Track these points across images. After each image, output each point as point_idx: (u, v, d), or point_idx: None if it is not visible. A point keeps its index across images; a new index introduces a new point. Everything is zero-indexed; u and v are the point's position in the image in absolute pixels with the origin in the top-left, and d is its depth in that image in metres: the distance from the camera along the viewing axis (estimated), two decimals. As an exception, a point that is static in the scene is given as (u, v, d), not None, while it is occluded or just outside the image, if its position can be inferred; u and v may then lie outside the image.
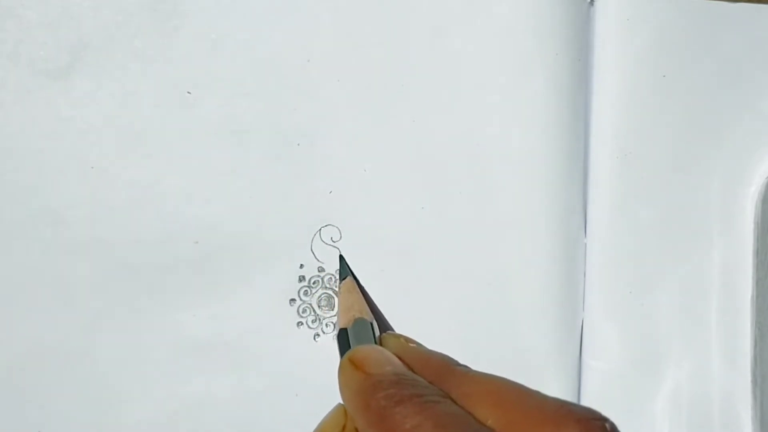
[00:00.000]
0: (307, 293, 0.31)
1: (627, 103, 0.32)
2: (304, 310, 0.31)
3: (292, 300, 0.31)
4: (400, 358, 0.24)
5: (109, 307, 0.30)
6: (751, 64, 0.32)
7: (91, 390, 0.31)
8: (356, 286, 0.31)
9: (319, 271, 0.31)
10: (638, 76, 0.32)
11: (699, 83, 0.32)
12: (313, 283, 0.31)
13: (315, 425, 0.23)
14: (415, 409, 0.20)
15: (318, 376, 0.30)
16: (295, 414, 0.32)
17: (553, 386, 0.33)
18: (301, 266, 0.31)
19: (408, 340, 0.26)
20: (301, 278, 0.31)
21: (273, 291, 0.31)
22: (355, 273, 0.32)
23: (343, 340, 0.27)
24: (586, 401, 0.33)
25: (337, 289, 0.31)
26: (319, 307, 0.31)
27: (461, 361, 0.23)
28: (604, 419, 0.19)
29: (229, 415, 0.32)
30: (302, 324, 0.31)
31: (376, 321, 0.28)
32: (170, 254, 0.30)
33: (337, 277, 0.31)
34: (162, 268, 0.30)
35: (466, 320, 0.32)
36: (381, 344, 0.26)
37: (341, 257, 0.31)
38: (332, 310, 0.31)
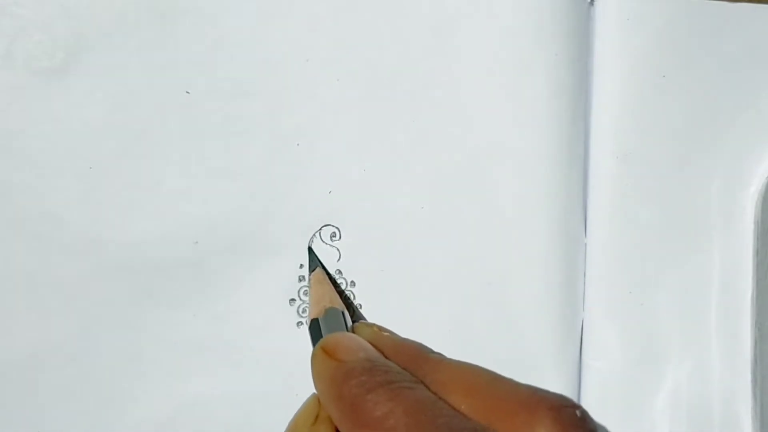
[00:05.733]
0: (307, 293, 0.31)
1: (627, 103, 0.32)
2: (304, 310, 0.31)
3: (292, 300, 0.31)
4: (373, 346, 0.24)
5: (109, 307, 0.30)
6: (751, 64, 0.32)
7: (91, 390, 0.31)
8: (326, 277, 0.31)
9: (319, 271, 0.31)
10: (638, 76, 0.32)
11: (699, 83, 0.32)
12: (313, 283, 0.31)
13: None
14: (387, 396, 0.20)
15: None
16: (294, 413, 0.32)
17: (553, 386, 0.33)
18: (301, 266, 0.31)
19: (381, 328, 0.26)
20: (301, 278, 0.31)
21: (273, 291, 0.31)
22: (355, 273, 0.32)
23: (315, 330, 0.27)
24: (586, 401, 0.33)
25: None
26: (319, 307, 0.31)
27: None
28: (576, 406, 0.19)
29: (229, 415, 0.32)
30: (302, 324, 0.31)
31: (349, 312, 0.28)
32: (170, 254, 0.30)
33: (336, 277, 0.31)
34: (162, 268, 0.30)
35: (466, 320, 0.32)
36: (354, 333, 0.26)
37: (310, 249, 0.31)
38: (332, 310, 0.31)
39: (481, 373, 0.21)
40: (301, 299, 0.31)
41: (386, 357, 0.23)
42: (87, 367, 0.31)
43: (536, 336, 0.32)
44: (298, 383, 0.31)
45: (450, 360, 0.23)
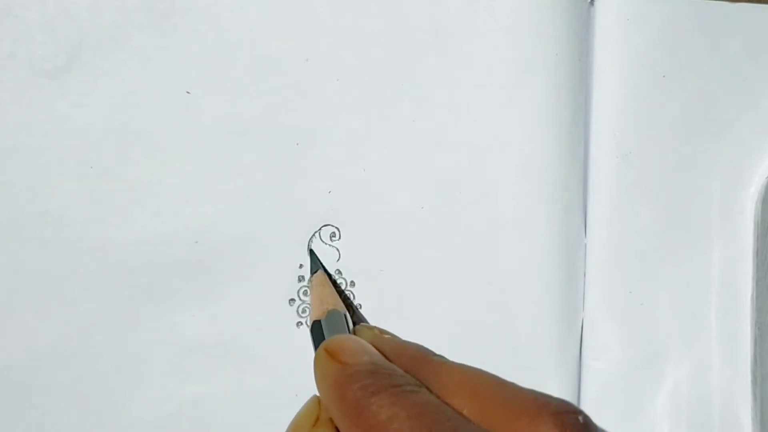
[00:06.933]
0: (306, 293, 0.31)
1: (627, 103, 0.32)
2: (304, 311, 0.31)
3: (292, 300, 0.31)
4: (375, 349, 0.24)
5: (109, 307, 0.30)
6: (751, 64, 0.32)
7: (90, 390, 0.31)
8: (328, 280, 0.31)
9: (318, 271, 0.31)
10: (638, 76, 0.32)
11: (699, 83, 0.32)
12: (313, 283, 0.31)
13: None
14: (391, 400, 0.20)
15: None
16: (294, 414, 0.32)
17: (553, 386, 0.33)
18: (301, 266, 0.31)
19: (382, 331, 0.26)
20: (301, 278, 0.31)
21: (272, 291, 0.31)
22: (355, 273, 0.32)
23: (317, 332, 0.27)
24: (586, 401, 0.33)
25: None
26: (318, 307, 0.31)
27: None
28: (579, 412, 0.19)
29: (229, 415, 0.32)
30: (302, 324, 0.31)
31: (350, 314, 0.28)
32: (170, 254, 0.30)
33: (336, 277, 0.31)
34: (161, 269, 0.30)
35: (466, 320, 0.32)
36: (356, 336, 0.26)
37: (311, 251, 0.31)
38: (332, 310, 0.31)
39: (484, 376, 0.21)
40: (300, 299, 0.31)
41: (388, 360, 0.23)
42: (87, 367, 0.30)
43: (536, 336, 0.32)
44: (297, 383, 0.31)
45: (452, 363, 0.23)
